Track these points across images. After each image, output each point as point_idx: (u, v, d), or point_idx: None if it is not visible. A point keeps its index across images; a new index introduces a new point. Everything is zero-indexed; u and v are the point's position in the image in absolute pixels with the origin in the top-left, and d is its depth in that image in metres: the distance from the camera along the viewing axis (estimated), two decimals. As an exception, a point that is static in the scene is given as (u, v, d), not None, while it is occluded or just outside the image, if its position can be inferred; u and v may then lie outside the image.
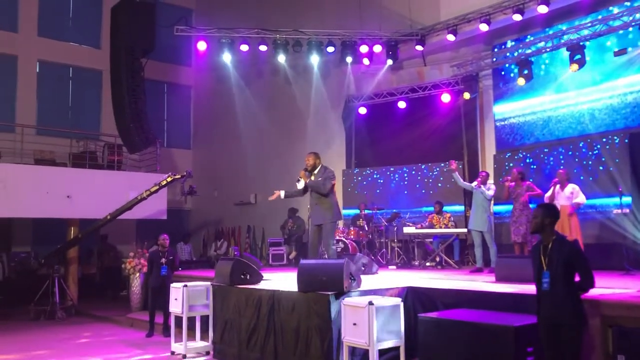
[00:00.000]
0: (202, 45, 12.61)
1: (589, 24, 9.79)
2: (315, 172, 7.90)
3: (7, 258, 12.33)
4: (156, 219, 13.51)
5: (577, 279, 4.21)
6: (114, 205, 11.89)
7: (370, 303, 5.24)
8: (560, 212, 8.40)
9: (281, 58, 12.65)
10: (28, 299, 11.69)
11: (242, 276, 7.25)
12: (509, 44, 11.38)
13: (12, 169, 12.10)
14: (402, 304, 5.62)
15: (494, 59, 11.53)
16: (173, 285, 8.00)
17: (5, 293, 11.90)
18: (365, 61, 12.84)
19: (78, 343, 8.96)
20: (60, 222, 13.12)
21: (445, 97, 12.12)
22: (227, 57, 12.72)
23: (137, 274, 11.30)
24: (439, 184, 12.22)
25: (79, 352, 8.13)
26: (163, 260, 9.28)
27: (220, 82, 16.01)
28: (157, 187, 11.26)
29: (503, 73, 11.61)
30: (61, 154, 13.77)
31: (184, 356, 7.50)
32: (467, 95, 11.71)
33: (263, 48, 12.66)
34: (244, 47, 12.60)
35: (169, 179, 11.16)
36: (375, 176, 13.11)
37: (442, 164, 11.98)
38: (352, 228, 11.72)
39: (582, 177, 9.44)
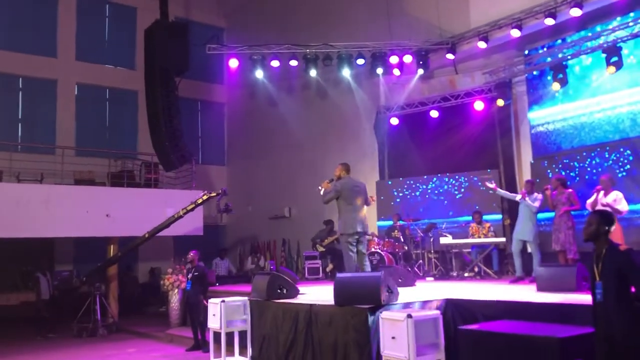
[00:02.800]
0: (233, 63, 12.77)
1: (626, 25, 9.54)
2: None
3: (50, 277, 12.64)
4: (193, 235, 13.68)
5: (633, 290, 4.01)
6: (151, 223, 12.10)
7: (409, 316, 5.15)
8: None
9: (312, 72, 12.72)
10: (71, 316, 11.93)
11: (279, 290, 7.25)
12: (542, 49, 11.18)
13: (53, 190, 12.44)
14: (441, 317, 5.52)
15: (527, 65, 11.34)
16: (211, 300, 8.04)
17: (49, 311, 12.19)
18: (396, 72, 12.79)
19: (122, 359, 9.07)
20: (101, 240, 13.39)
21: (478, 105, 11.97)
22: (258, 74, 12.86)
23: (176, 290, 11.43)
24: (475, 193, 12.03)
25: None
26: (189, 275, 9.51)
27: (253, 98, 16.20)
28: (194, 205, 11.42)
29: (537, 78, 11.41)
30: (100, 174, 14.10)
31: (224, 372, 7.52)
32: (500, 102, 11.54)
33: (294, 63, 12.75)
34: (275, 63, 12.71)
35: (205, 197, 11.30)
36: (409, 187, 13.00)
37: (476, 176, 11.80)
38: (387, 240, 11.61)
39: (625, 183, 9.16)
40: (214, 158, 19.14)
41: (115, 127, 17.41)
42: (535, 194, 9.07)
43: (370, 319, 5.67)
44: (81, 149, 15.65)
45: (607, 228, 4.10)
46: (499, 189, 9.44)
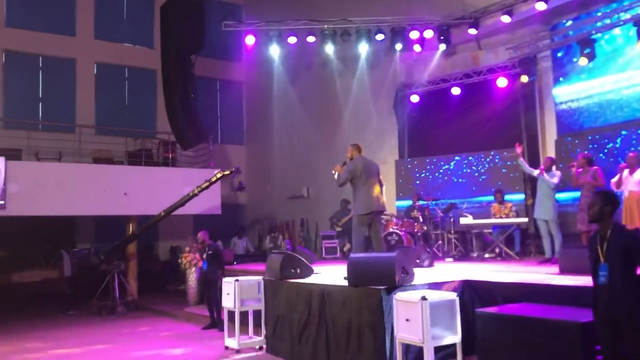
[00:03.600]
0: (250, 40, 12.58)
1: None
2: None
3: (70, 255, 12.79)
4: (211, 214, 13.65)
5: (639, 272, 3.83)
6: (169, 202, 12.08)
7: (424, 298, 4.98)
8: (629, 199, 7.87)
9: (329, 48, 12.45)
10: (91, 294, 12.04)
11: (293, 270, 7.13)
12: (569, 22, 10.74)
13: (72, 168, 12.49)
14: (457, 299, 5.33)
15: (553, 39, 10.92)
16: (225, 279, 7.98)
17: (70, 288, 12.35)
18: (417, 48, 12.45)
19: (136, 337, 9.12)
20: (121, 219, 13.45)
21: (502, 82, 11.61)
22: (275, 51, 12.63)
23: (193, 269, 11.42)
24: (498, 172, 11.72)
25: (137, 347, 8.26)
26: (204, 255, 9.53)
27: (271, 77, 15.97)
28: (208, 183, 11.35)
29: (563, 54, 11.00)
30: (118, 153, 14.12)
31: (238, 351, 7.47)
32: (524, 79, 11.17)
33: (311, 39, 12.49)
34: (292, 39, 12.47)
35: (218, 175, 11.23)
36: (429, 166, 12.73)
37: (502, 152, 11.48)
38: (405, 220, 11.40)
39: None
40: (233, 137, 19.04)
41: (134, 106, 17.37)
42: (554, 170, 8.78)
43: (385, 300, 5.51)
44: (100, 127, 15.66)
45: (611, 208, 3.97)
46: (522, 159, 9.17)
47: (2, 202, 11.40)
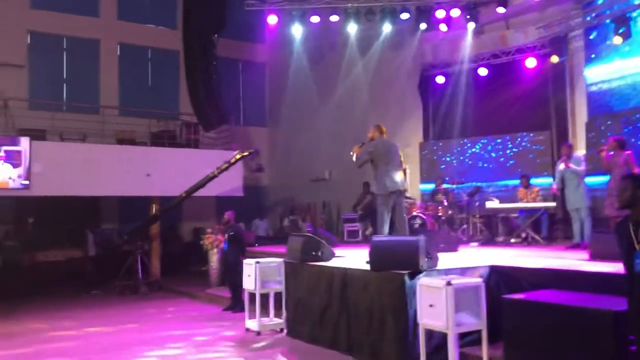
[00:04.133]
0: (272, 19, 12.41)
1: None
2: None
3: (94, 235, 12.91)
4: (234, 195, 13.62)
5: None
6: (192, 183, 12.09)
7: (448, 283, 4.84)
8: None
9: (352, 28, 12.21)
10: (114, 274, 12.14)
11: (314, 253, 7.04)
12: (602, 0, 10.34)
13: (95, 149, 12.55)
14: (483, 285, 5.17)
15: (586, 18, 10.53)
16: (246, 261, 7.93)
17: (94, 268, 12.49)
18: (443, 27, 12.15)
19: (160, 318, 9.16)
20: (144, 199, 13.51)
21: (531, 62, 11.28)
22: (297, 30, 12.42)
23: (215, 250, 11.41)
24: (525, 156, 11.43)
25: (162, 327, 8.29)
26: (225, 236, 9.53)
27: (293, 58, 15.78)
28: (227, 165, 11.30)
29: (595, 33, 10.60)
30: (141, 134, 14.14)
31: (258, 333, 7.44)
32: (555, 59, 10.84)
33: (335, 18, 12.28)
34: (315, 19, 12.27)
35: (237, 157, 11.17)
36: (454, 149, 12.49)
37: (526, 137, 11.18)
38: (430, 203, 11.22)
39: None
40: (256, 119, 18.92)
41: (156, 87, 17.35)
42: (575, 154, 8.48)
43: (408, 285, 5.38)
44: (123, 108, 15.68)
45: None
46: (571, 166, 8.65)
47: (27, 182, 11.52)
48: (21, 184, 11.50)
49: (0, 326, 8.57)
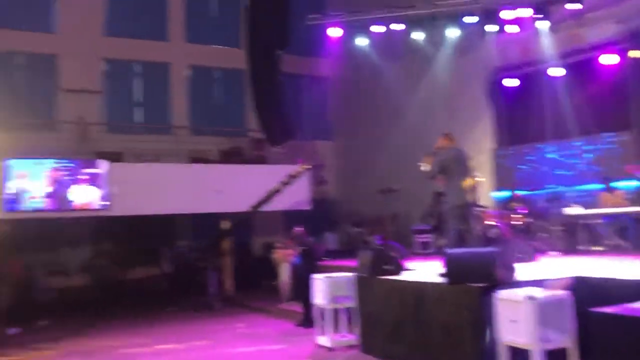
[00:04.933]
0: (335, 32, 12.39)
1: None
2: None
3: (169, 252, 13.30)
4: (302, 209, 13.65)
5: None
6: (259, 198, 12.19)
7: (531, 297, 4.53)
8: None
9: (417, 35, 11.98)
10: (188, 290, 12.39)
11: (384, 267, 6.86)
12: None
13: (169, 169, 12.97)
14: (570, 297, 4.82)
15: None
16: (316, 276, 7.85)
17: (170, 284, 12.83)
18: (511, 28, 11.69)
19: (232, 334, 9.21)
20: (216, 216, 13.77)
21: (608, 59, 10.63)
22: (361, 42, 12.35)
23: (285, 265, 11.41)
24: (606, 158, 10.76)
25: (234, 344, 8.33)
26: (296, 250, 9.68)
27: (357, 70, 15.71)
28: (289, 179, 11.33)
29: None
30: (212, 152, 14.47)
31: (331, 349, 7.31)
32: (634, 54, 10.16)
33: (398, 27, 12.09)
34: (379, 29, 12.14)
35: (300, 170, 11.18)
36: (529, 154, 11.95)
37: (606, 139, 10.53)
38: (504, 211, 10.75)
39: None
40: (321, 133, 18.94)
41: (225, 105, 17.76)
42: None
43: (485, 298, 5.10)
44: (193, 128, 16.11)
45: None
46: None
47: (108, 203, 11.99)
48: (103, 204, 11.99)
49: (80, 343, 8.93)
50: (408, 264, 7.45)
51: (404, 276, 6.80)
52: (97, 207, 11.99)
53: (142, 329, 9.97)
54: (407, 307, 6.23)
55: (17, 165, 11.56)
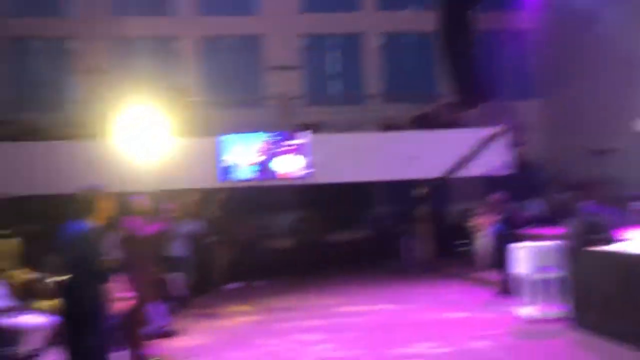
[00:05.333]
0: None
1: None
2: None
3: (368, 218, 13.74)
4: (502, 174, 13.01)
5: None
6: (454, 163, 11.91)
7: None
8: None
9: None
10: (385, 255, 12.72)
11: (596, 236, 6.25)
12: None
13: (364, 138, 13.37)
14: None
15: None
16: (519, 244, 7.48)
17: (367, 249, 13.30)
18: None
19: (435, 300, 9.28)
20: (412, 182, 13.82)
21: None
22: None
23: (482, 232, 11.04)
24: None
25: (439, 309, 8.41)
26: (495, 217, 9.31)
27: (561, 18, 14.28)
28: (484, 142, 10.81)
29: None
30: (404, 118, 14.48)
31: (534, 320, 6.93)
32: None
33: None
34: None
35: (495, 133, 10.60)
36: None
37: None
38: None
39: None
40: (522, 92, 17.66)
41: (416, 70, 17.53)
42: None
43: None
44: (385, 96, 16.21)
45: None
46: None
47: (311, 170, 12.70)
48: (306, 173, 12.76)
49: (299, 299, 9.85)
50: (624, 234, 6.67)
51: (618, 246, 6.11)
52: (300, 175, 12.78)
53: (344, 289, 10.58)
54: (621, 281, 5.62)
55: (230, 140, 12.80)
